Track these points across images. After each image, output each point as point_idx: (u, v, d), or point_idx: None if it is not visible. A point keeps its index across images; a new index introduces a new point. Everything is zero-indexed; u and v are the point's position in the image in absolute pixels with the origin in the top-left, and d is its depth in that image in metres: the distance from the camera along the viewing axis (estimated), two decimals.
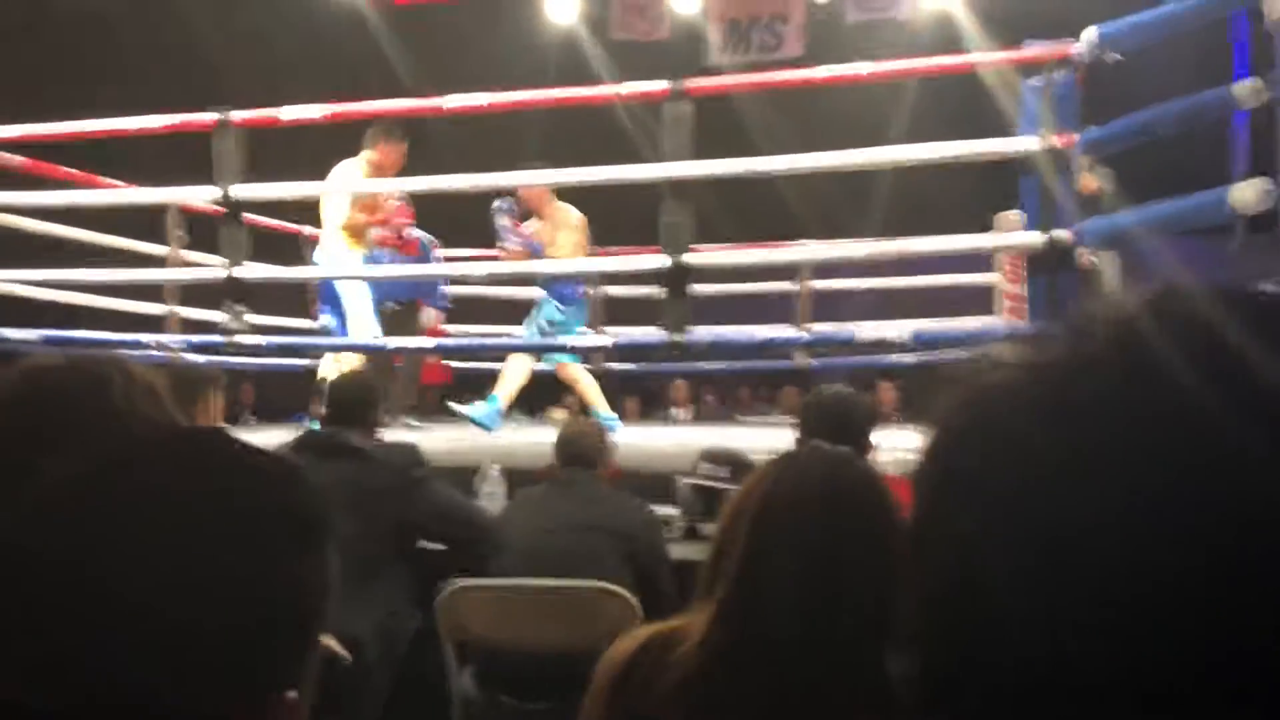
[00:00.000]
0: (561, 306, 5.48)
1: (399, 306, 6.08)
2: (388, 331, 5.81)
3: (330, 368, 5.32)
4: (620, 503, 2.87)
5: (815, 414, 2.60)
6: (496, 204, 5.55)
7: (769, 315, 8.19)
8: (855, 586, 1.29)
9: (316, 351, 5.70)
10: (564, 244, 5.53)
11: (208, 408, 2.74)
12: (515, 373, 5.47)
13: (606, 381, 10.31)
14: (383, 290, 5.64)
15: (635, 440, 5.47)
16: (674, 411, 9.30)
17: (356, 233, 5.49)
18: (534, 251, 5.57)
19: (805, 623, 1.27)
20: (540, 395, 10.55)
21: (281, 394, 10.74)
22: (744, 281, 7.47)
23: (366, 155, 5.60)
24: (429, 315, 6.42)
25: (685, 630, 1.35)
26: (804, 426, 2.63)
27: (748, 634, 1.29)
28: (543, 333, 5.41)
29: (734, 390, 10.04)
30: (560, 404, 9.88)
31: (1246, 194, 3.19)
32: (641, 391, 10.20)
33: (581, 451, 2.93)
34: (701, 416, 9.23)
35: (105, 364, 1.27)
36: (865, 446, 2.63)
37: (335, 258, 5.35)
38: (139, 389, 1.25)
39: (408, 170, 5.87)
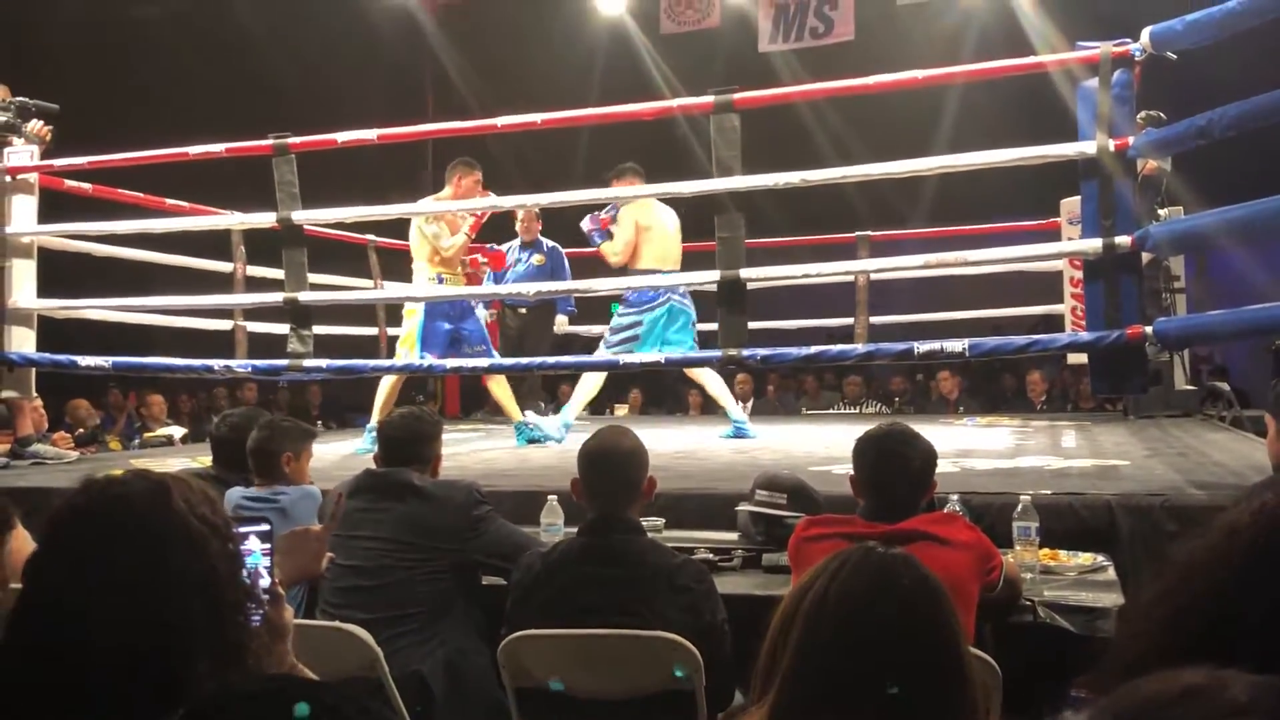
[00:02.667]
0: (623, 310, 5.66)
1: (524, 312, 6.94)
2: (521, 335, 6.88)
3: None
4: (664, 584, 2.54)
5: (869, 457, 2.58)
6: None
7: (823, 302, 8.18)
8: (907, 695, 1.30)
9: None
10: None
11: None
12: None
13: (668, 375, 10.39)
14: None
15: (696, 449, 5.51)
16: (740, 405, 9.26)
17: (448, 262, 5.74)
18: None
19: None
20: (604, 393, 10.64)
21: (349, 394, 10.96)
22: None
23: (448, 191, 5.83)
24: (561, 320, 7.02)
25: None
26: (859, 466, 2.62)
27: None
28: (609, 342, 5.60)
29: (799, 378, 9.98)
30: (624, 400, 9.97)
31: None
32: None
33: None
34: (765, 410, 9.20)
35: (162, 475, 1.37)
36: (928, 489, 2.62)
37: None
38: (195, 494, 1.34)
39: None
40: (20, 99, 5.32)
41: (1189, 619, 0.90)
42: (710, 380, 6.00)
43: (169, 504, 1.29)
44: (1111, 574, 2.98)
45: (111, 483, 1.33)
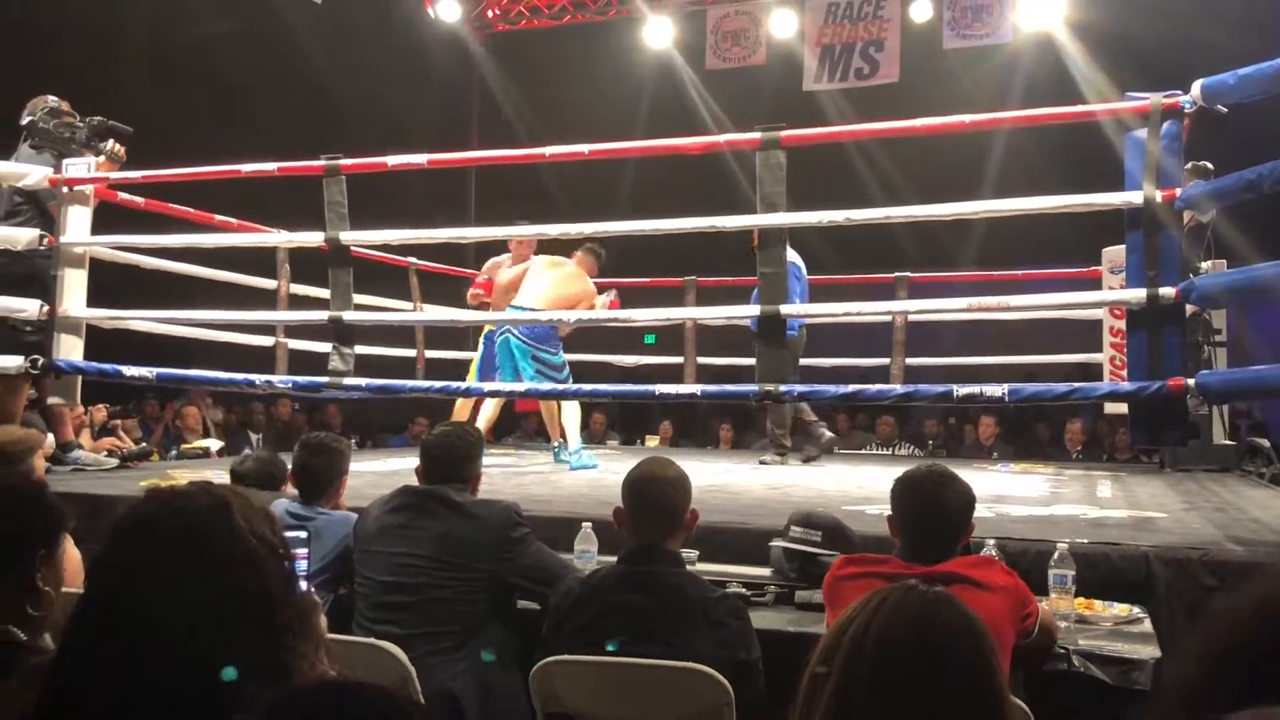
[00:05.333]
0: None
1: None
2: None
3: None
4: (700, 617, 2.54)
5: (908, 497, 2.58)
6: None
7: (857, 341, 8.18)
8: None
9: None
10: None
11: None
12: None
13: (699, 408, 10.41)
14: None
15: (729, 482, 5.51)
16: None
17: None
18: None
19: None
20: (637, 423, 10.65)
21: (371, 413, 11.04)
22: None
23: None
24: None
25: None
26: (897, 506, 2.62)
27: None
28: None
29: (831, 417, 9.94)
30: (654, 431, 9.97)
31: None
32: (735, 416, 10.19)
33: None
34: (796, 446, 9.14)
35: (224, 489, 1.39)
36: (966, 532, 2.61)
37: None
38: (256, 513, 1.35)
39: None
40: (99, 118, 5.45)
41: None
42: (569, 410, 6.32)
43: (230, 521, 1.31)
44: (1148, 626, 2.96)
45: (176, 495, 1.35)
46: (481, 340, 6.74)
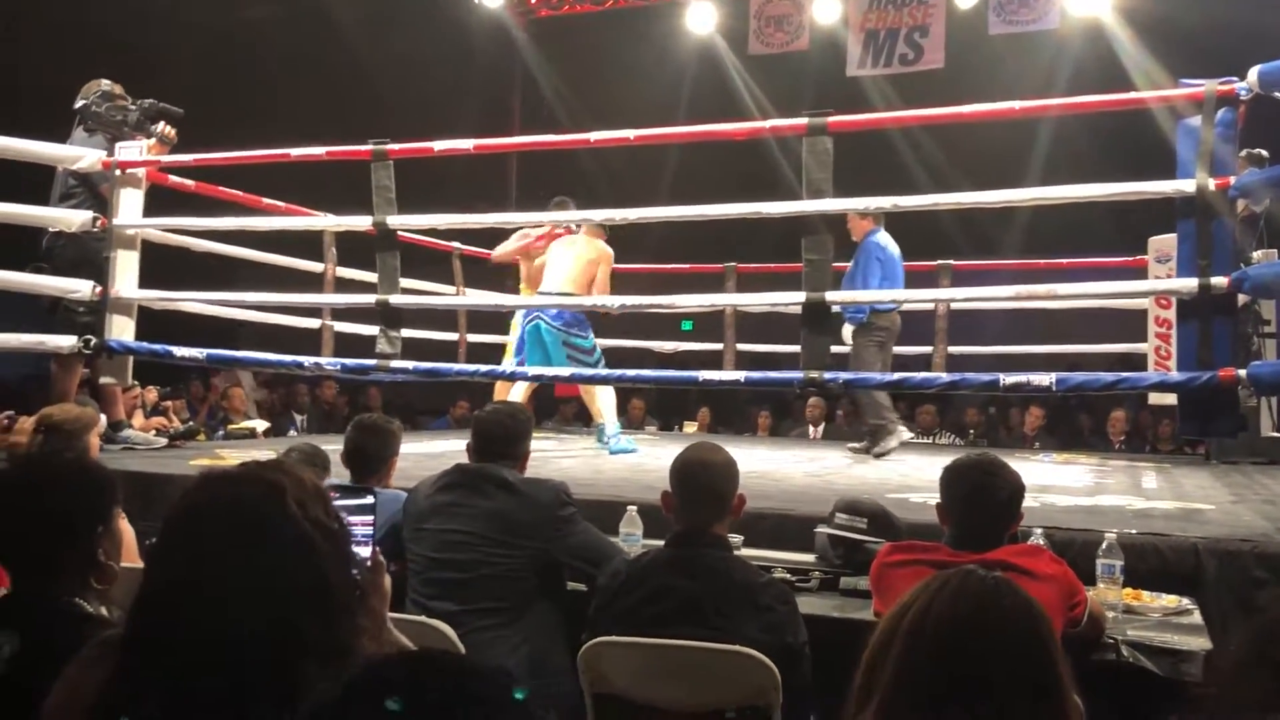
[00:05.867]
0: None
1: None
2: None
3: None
4: (747, 601, 2.55)
5: (958, 485, 2.58)
6: None
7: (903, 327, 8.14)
8: (1005, 714, 1.31)
9: None
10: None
11: None
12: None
13: (738, 395, 10.40)
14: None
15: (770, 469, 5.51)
16: (809, 429, 9.25)
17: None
18: None
19: None
20: (674, 410, 10.67)
21: (411, 395, 11.11)
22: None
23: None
24: (846, 330, 6.59)
25: None
26: (947, 494, 2.62)
27: None
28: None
29: None
30: (693, 419, 9.98)
31: None
32: (773, 403, 10.18)
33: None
34: (835, 435, 9.14)
35: (276, 471, 1.38)
36: (1015, 520, 2.61)
37: None
38: (309, 494, 1.36)
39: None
40: (150, 101, 5.52)
41: None
42: (603, 394, 6.30)
43: (283, 507, 1.30)
44: (1197, 618, 2.94)
45: (228, 482, 1.35)
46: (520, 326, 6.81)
